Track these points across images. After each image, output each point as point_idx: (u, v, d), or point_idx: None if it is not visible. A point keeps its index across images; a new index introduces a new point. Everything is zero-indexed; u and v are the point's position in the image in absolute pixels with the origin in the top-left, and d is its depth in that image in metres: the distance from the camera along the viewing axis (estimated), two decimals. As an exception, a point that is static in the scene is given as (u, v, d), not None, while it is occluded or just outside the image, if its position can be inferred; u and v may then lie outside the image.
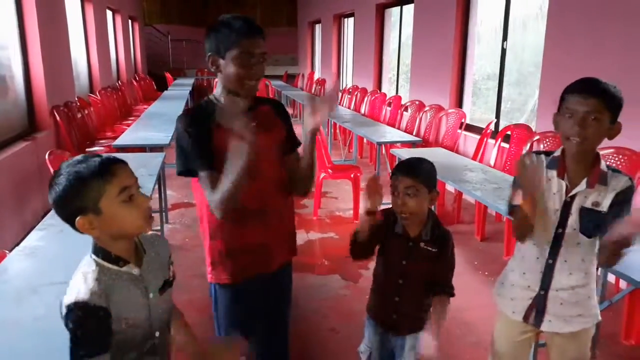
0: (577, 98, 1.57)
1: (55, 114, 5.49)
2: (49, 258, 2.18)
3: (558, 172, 1.67)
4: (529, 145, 4.44)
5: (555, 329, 1.76)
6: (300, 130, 1.74)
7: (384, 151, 5.81)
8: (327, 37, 12.56)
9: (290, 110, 12.06)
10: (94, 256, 1.20)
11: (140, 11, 15.08)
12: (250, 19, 1.64)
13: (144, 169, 3.62)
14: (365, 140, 6.95)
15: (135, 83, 11.56)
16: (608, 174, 1.62)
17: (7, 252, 2.24)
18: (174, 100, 8.45)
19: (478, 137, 5.41)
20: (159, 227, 4.28)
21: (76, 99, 6.56)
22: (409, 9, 7.84)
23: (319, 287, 3.48)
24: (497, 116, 5.57)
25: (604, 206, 1.62)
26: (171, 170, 6.72)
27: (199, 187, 1.72)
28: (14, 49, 5.10)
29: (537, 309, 1.76)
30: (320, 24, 13.52)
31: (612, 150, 3.51)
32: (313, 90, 12.28)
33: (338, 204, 5.43)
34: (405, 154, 4.33)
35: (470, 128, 5.93)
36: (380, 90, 8.99)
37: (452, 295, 1.82)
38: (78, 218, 1.13)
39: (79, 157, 1.18)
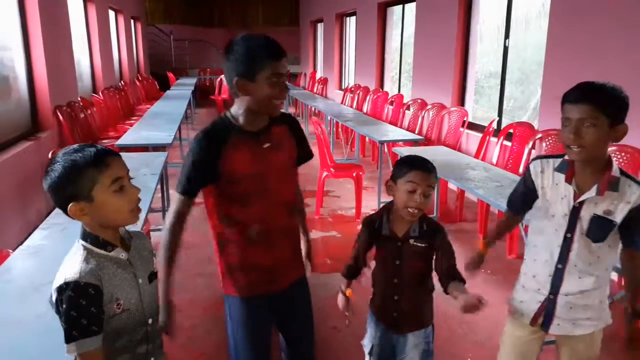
0: (570, 106, 1.54)
1: (58, 113, 5.51)
2: (52, 257, 2.17)
3: (566, 177, 1.64)
4: (531, 143, 4.43)
5: (563, 332, 1.75)
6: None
7: (386, 150, 5.81)
8: (329, 36, 12.56)
9: (292, 110, 12.09)
10: (82, 241, 1.25)
11: (143, 11, 15.10)
12: (273, 40, 1.65)
13: (147, 169, 3.63)
14: (367, 139, 6.94)
15: (137, 83, 11.58)
16: (620, 180, 1.58)
17: (11, 251, 2.26)
18: (176, 100, 8.47)
19: (480, 135, 5.40)
20: (161, 226, 4.28)
21: (79, 98, 6.59)
22: (411, 8, 7.84)
23: (322, 285, 3.48)
24: (500, 114, 5.56)
25: (617, 217, 1.58)
26: (173, 170, 6.75)
27: (210, 196, 1.77)
28: (17, 49, 5.12)
29: (546, 312, 1.74)
30: (322, 23, 13.52)
31: (614, 148, 3.51)
32: (315, 90, 12.29)
33: (340, 202, 5.43)
34: (407, 152, 4.33)
35: (472, 126, 5.92)
36: (382, 88, 8.98)
37: (464, 282, 1.80)
38: (71, 204, 1.19)
39: (75, 146, 1.23)
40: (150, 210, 3.82)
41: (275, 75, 1.61)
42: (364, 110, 8.42)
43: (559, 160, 1.68)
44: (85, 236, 1.25)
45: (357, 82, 10.15)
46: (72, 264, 1.20)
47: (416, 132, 6.41)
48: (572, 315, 1.71)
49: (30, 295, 1.85)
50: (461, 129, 5.82)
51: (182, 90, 10.52)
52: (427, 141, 6.01)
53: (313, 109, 9.23)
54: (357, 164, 5.54)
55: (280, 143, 1.77)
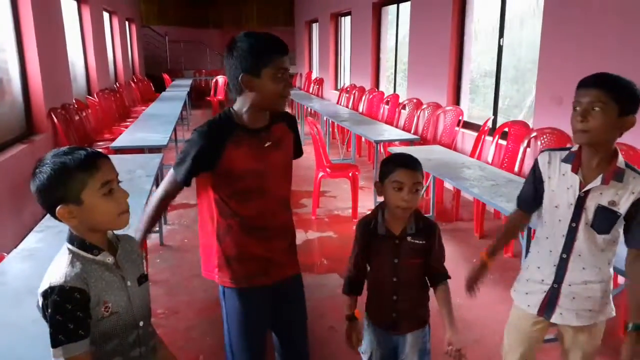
0: (582, 90, 1.59)
1: (53, 116, 5.49)
2: (47, 260, 2.10)
3: (572, 167, 1.67)
4: (526, 142, 4.44)
5: (566, 322, 1.78)
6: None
7: (382, 149, 5.81)
8: (324, 36, 12.56)
9: (288, 110, 12.07)
10: (68, 245, 1.24)
11: (138, 13, 15.07)
12: (276, 36, 1.68)
13: (142, 170, 3.61)
14: (363, 138, 6.95)
15: (133, 84, 11.55)
16: (626, 172, 1.61)
17: (5, 254, 2.24)
18: (172, 102, 8.45)
19: (476, 134, 5.41)
20: (157, 228, 4.28)
21: (74, 101, 6.56)
22: (405, 7, 7.84)
23: (318, 286, 3.49)
24: (495, 113, 5.58)
25: (621, 207, 1.61)
26: (168, 171, 6.63)
27: (205, 188, 1.79)
28: (11, 51, 5.10)
29: (550, 301, 1.77)
30: (317, 23, 13.52)
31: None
32: (311, 90, 12.29)
33: (337, 203, 5.43)
34: (403, 152, 4.33)
35: (467, 125, 5.93)
36: (378, 88, 8.99)
37: (449, 277, 1.87)
38: (59, 207, 1.18)
39: (64, 148, 1.22)
40: (146, 212, 3.83)
41: (279, 71, 1.64)
42: (360, 110, 8.43)
43: (565, 153, 1.72)
44: (71, 239, 1.24)
45: (352, 82, 10.15)
46: (57, 267, 1.19)
47: (412, 131, 6.42)
48: (575, 306, 1.74)
49: (25, 298, 1.83)
50: (456, 128, 5.83)
51: (177, 91, 10.50)
52: (422, 141, 6.02)
53: (309, 109, 9.23)
54: (353, 164, 5.54)
55: (280, 141, 1.81)
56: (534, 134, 4.40)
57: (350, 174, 4.94)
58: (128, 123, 7.46)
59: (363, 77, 9.54)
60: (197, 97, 14.31)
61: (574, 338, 1.81)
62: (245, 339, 1.85)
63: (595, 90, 1.54)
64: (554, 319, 1.79)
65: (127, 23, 12.72)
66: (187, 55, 17.06)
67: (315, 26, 14.01)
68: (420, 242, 1.80)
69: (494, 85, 5.61)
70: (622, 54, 3.60)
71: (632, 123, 1.58)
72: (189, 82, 13.12)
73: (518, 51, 6.10)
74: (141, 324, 1.32)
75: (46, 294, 1.15)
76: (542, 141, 4.34)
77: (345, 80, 11.52)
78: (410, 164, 1.76)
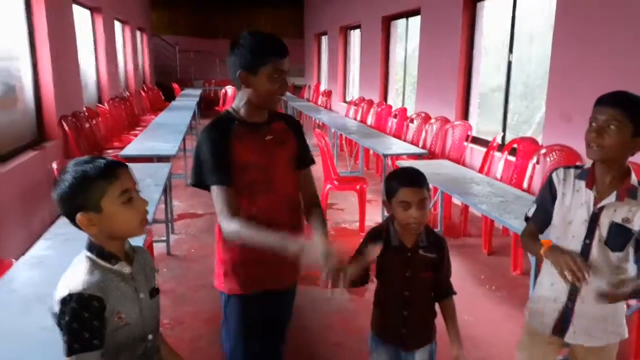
0: (599, 107, 1.61)
1: (64, 123, 5.53)
2: (56, 267, 2.15)
3: (587, 183, 1.68)
4: (535, 158, 4.43)
5: (579, 341, 1.76)
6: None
7: (390, 163, 5.81)
8: (333, 48, 12.63)
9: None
10: (87, 252, 1.25)
11: (149, 22, 15.24)
12: (278, 38, 1.73)
13: (151, 179, 3.63)
14: (371, 151, 6.95)
15: (143, 93, 11.64)
16: (639, 189, 1.63)
17: (14, 260, 2.25)
18: (181, 111, 8.50)
19: (484, 149, 5.39)
20: (164, 238, 4.28)
21: (84, 109, 6.62)
22: (415, 21, 7.88)
23: (325, 300, 3.46)
24: (504, 129, 5.57)
25: (635, 224, 1.62)
26: (177, 181, 6.71)
27: None
28: (25, 59, 5.16)
29: (563, 320, 1.76)
30: (326, 36, 13.60)
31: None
32: (319, 102, 12.33)
33: (344, 215, 5.42)
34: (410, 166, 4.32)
35: (476, 140, 5.92)
36: (386, 101, 9.01)
37: (454, 293, 1.87)
38: (79, 214, 1.20)
39: (85, 157, 1.25)
40: (154, 221, 3.83)
41: (276, 72, 1.69)
42: (368, 122, 8.44)
43: (579, 170, 1.73)
44: (90, 247, 1.25)
45: (361, 94, 10.18)
46: (76, 275, 1.20)
47: (420, 145, 6.41)
48: (588, 325, 1.73)
49: (33, 306, 1.84)
50: (465, 143, 5.82)
51: (186, 101, 10.57)
52: (430, 155, 6.01)
53: (317, 121, 9.25)
54: (360, 177, 5.54)
55: (282, 138, 1.83)
56: (543, 150, 4.38)
57: (357, 187, 4.93)
58: (137, 131, 7.50)
59: (372, 90, 9.56)
60: (206, 107, 14.38)
61: (584, 358, 1.79)
62: (244, 343, 1.84)
63: (612, 109, 1.56)
64: (567, 337, 1.76)
65: (138, 32, 12.86)
66: (197, 65, 17.20)
67: (324, 39, 14.10)
68: (432, 255, 1.80)
69: (503, 101, 5.61)
70: (632, 71, 3.59)
71: None
72: (198, 91, 13.21)
73: (527, 67, 6.11)
74: (150, 337, 1.32)
75: (64, 301, 1.16)
76: (552, 158, 4.32)
77: (354, 92, 11.56)
78: (414, 181, 1.75)
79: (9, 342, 1.63)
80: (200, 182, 1.75)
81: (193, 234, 4.77)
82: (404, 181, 1.75)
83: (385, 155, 5.28)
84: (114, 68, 9.47)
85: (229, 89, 13.06)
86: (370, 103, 9.04)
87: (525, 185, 4.46)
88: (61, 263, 2.19)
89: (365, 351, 2.00)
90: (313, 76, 15.03)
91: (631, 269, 1.70)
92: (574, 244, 1.70)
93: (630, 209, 1.62)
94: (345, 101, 11.84)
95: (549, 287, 1.80)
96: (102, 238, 1.25)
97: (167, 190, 4.27)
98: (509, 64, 5.46)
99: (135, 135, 6.39)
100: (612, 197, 1.63)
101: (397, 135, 7.10)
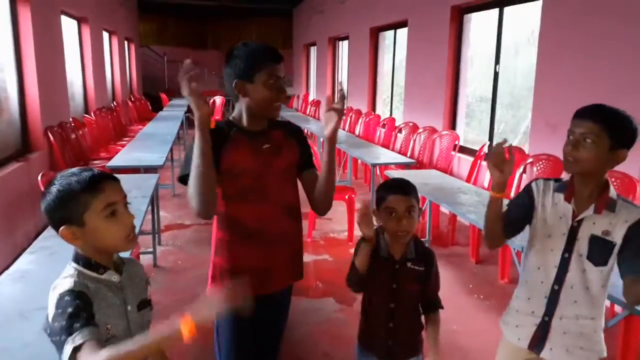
0: (576, 120, 1.60)
1: (49, 134, 5.48)
2: (39, 282, 2.13)
3: (565, 196, 1.67)
4: (522, 167, 4.46)
5: (555, 358, 1.72)
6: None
7: (378, 172, 5.82)
8: (322, 59, 12.70)
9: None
10: (73, 264, 1.23)
11: (137, 33, 15.20)
12: (271, 46, 1.74)
13: (138, 190, 3.59)
14: (359, 161, 6.96)
15: (130, 103, 11.58)
16: (618, 203, 1.61)
17: (-3, 275, 2.21)
18: (169, 121, 8.47)
19: (472, 159, 5.43)
20: (151, 249, 4.24)
21: (70, 119, 6.56)
22: (402, 33, 7.96)
23: (313, 310, 3.45)
24: (491, 138, 5.61)
25: (616, 237, 1.59)
26: (164, 191, 6.63)
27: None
28: (10, 69, 5.11)
29: (540, 335, 1.73)
30: (315, 47, 13.68)
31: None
32: (308, 112, 12.35)
33: (332, 225, 5.41)
34: (398, 175, 4.34)
35: (463, 150, 5.96)
36: (374, 111, 9.05)
37: (442, 307, 1.86)
38: (62, 228, 1.19)
39: (74, 169, 1.23)
40: (141, 232, 3.79)
41: (272, 78, 1.70)
42: (356, 132, 8.47)
43: (557, 183, 1.72)
44: (77, 258, 1.24)
45: (349, 104, 10.23)
46: (63, 283, 1.18)
47: (408, 155, 6.44)
48: (566, 342, 1.69)
49: (16, 322, 1.80)
50: (452, 153, 5.86)
51: (174, 111, 10.52)
52: (418, 164, 6.04)
53: (306, 131, 9.26)
54: (349, 187, 5.54)
55: (280, 147, 1.82)
56: (530, 160, 4.42)
57: (346, 197, 4.93)
58: (124, 142, 7.45)
59: (360, 100, 9.61)
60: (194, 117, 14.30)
61: None
62: (235, 349, 1.82)
63: (589, 122, 1.55)
64: (544, 354, 1.73)
65: (126, 43, 12.82)
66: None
67: (313, 49, 14.17)
68: (419, 268, 1.80)
69: (489, 110, 5.66)
70: (617, 82, 3.65)
71: (623, 157, 1.57)
72: (186, 102, 13.13)
73: (513, 78, 6.19)
74: None
75: (57, 302, 1.14)
76: (538, 167, 4.36)
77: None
78: (400, 189, 1.77)
79: (-11, 358, 1.59)
80: (184, 175, 1.71)
81: (180, 245, 4.73)
82: (391, 189, 1.78)
83: (374, 165, 5.30)
84: (102, 78, 9.42)
85: (217, 99, 13.03)
86: (359, 113, 9.08)
87: (512, 194, 4.49)
88: (45, 278, 2.16)
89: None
90: (302, 86, 15.07)
91: (612, 280, 1.67)
92: (554, 258, 1.68)
93: (609, 221, 1.60)
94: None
95: (526, 301, 1.77)
96: (89, 250, 1.23)
97: (154, 201, 4.24)
98: (496, 74, 5.52)
99: (123, 146, 6.34)
100: (590, 210, 1.61)
101: (386, 145, 7.13)
